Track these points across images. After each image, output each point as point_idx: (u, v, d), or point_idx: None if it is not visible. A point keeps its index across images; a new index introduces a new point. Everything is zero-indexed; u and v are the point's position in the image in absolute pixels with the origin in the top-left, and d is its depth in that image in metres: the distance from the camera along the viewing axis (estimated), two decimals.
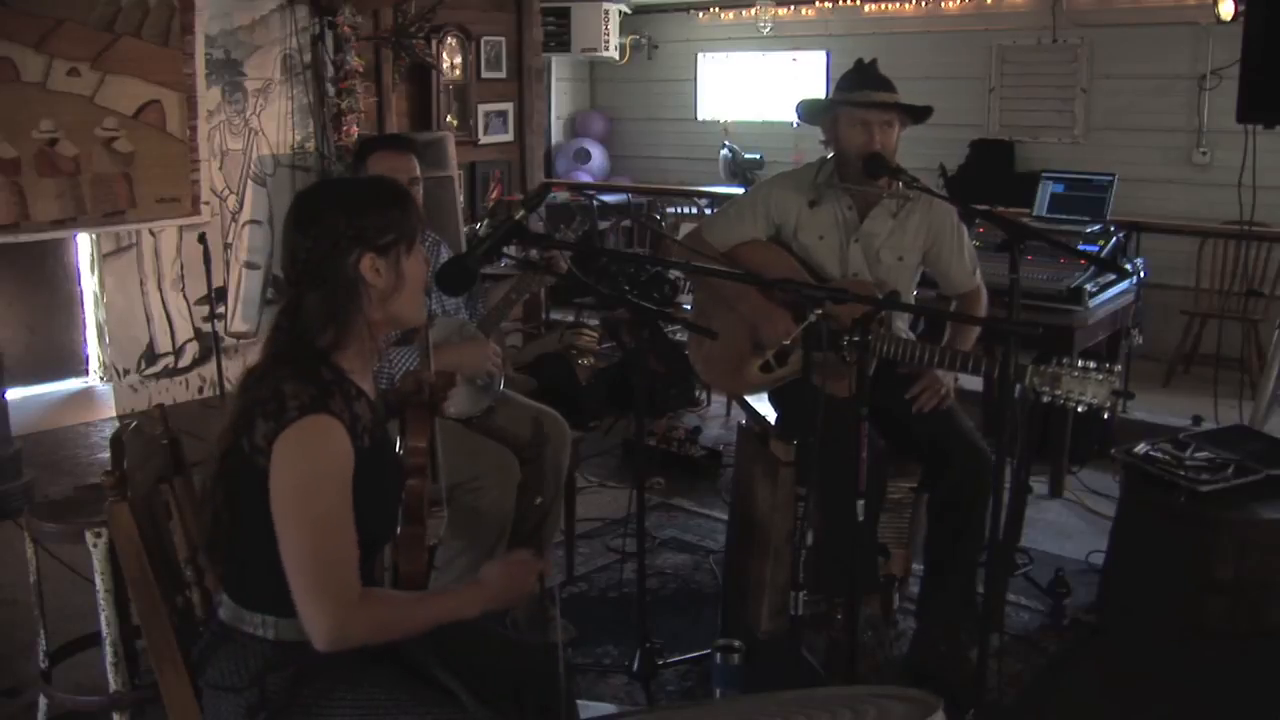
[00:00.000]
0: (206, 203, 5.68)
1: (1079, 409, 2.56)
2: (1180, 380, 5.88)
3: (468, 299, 3.32)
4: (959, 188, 6.72)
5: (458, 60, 6.95)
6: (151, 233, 5.60)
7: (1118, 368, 2.57)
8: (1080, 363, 2.57)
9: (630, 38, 9.05)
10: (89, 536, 2.53)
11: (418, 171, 3.13)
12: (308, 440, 1.69)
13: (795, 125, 8.42)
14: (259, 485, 1.71)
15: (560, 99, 9.50)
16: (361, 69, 6.16)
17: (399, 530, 2.00)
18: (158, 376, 5.75)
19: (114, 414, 5.54)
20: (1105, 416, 2.57)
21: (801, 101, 3.20)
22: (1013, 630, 3.32)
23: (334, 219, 1.78)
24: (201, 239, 5.44)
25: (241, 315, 6.06)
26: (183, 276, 5.76)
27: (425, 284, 1.93)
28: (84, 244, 5.60)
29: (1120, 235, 4.54)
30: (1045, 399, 2.59)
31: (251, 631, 1.78)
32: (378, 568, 1.98)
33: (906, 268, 3.11)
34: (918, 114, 3.02)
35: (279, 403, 1.69)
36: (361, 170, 3.08)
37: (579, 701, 2.53)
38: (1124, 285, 4.45)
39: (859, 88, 2.97)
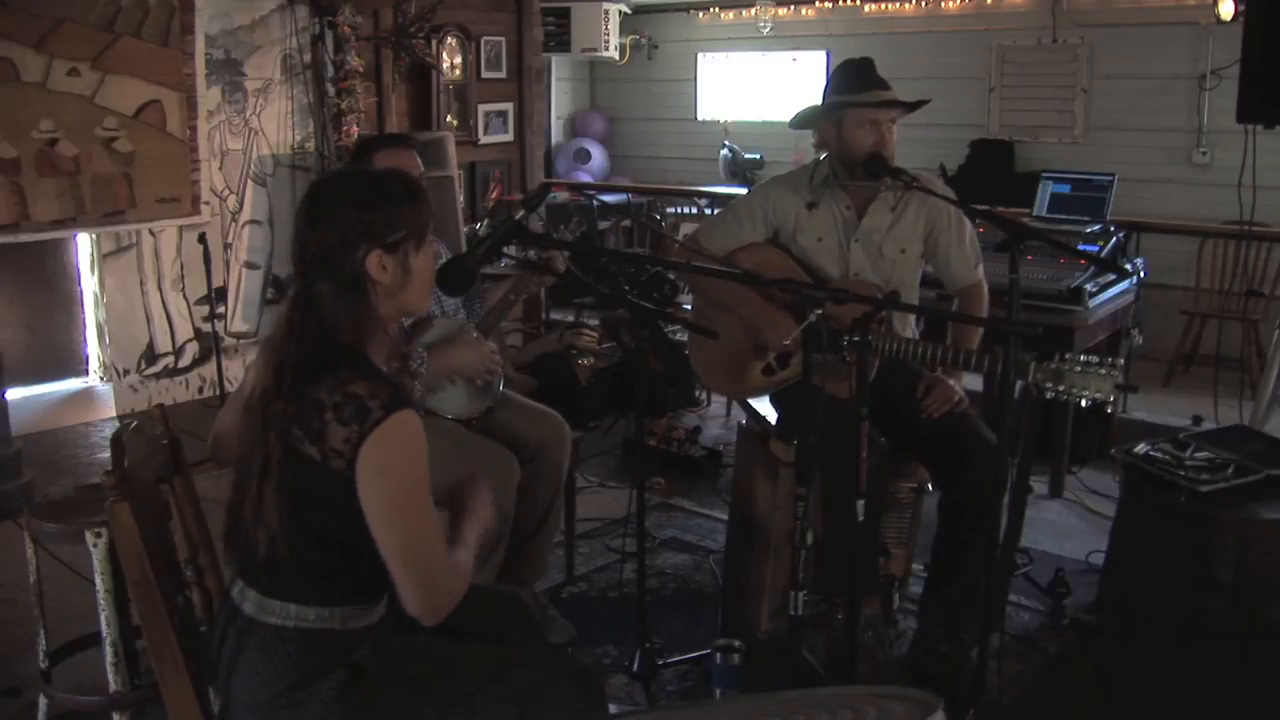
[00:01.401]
0: (206, 203, 5.68)
1: (1082, 404, 2.57)
2: (1180, 380, 5.87)
3: (466, 299, 3.33)
4: (959, 188, 6.70)
5: (458, 60, 6.95)
6: (151, 233, 5.60)
7: (1120, 361, 2.57)
8: (1082, 357, 2.58)
9: (630, 38, 9.05)
10: (89, 536, 2.53)
11: (421, 168, 3.15)
12: (400, 438, 1.71)
13: None
14: (333, 489, 1.71)
15: (560, 99, 9.50)
16: (361, 69, 6.16)
17: None
18: (158, 376, 5.75)
19: (114, 414, 5.54)
20: (1109, 411, 2.58)
21: (800, 112, 3.14)
22: (1013, 630, 3.32)
23: (344, 214, 1.78)
24: (201, 239, 5.45)
25: (241, 315, 6.06)
26: (183, 276, 5.76)
27: (432, 276, 1.94)
28: (84, 244, 5.60)
29: (1120, 235, 4.54)
30: (1049, 395, 2.60)
31: (317, 626, 1.78)
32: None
33: (910, 260, 3.11)
34: (911, 106, 3.03)
35: (358, 405, 1.69)
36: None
37: None
38: (1124, 285, 4.45)
39: (866, 88, 2.96)
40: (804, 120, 3.13)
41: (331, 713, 1.75)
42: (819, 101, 3.10)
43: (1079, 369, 2.55)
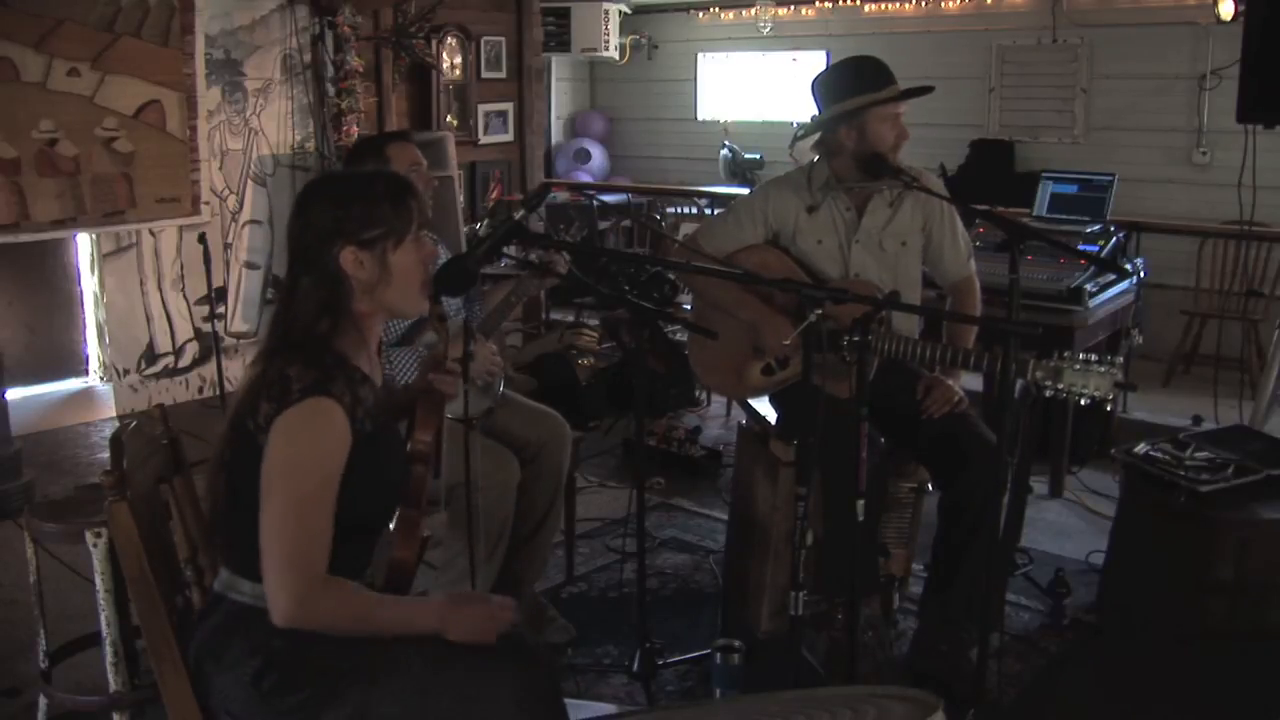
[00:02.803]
0: (206, 203, 5.68)
1: (1082, 402, 2.57)
2: (1180, 380, 5.87)
3: (466, 300, 3.33)
4: (959, 188, 6.73)
5: (458, 60, 6.95)
6: (151, 233, 5.60)
7: (1119, 359, 2.57)
8: (1082, 356, 2.58)
9: (630, 38, 9.05)
10: (89, 536, 2.53)
11: (424, 161, 3.20)
12: (306, 421, 1.75)
13: (795, 125, 8.41)
14: (259, 463, 1.76)
15: (560, 99, 9.50)
16: (361, 69, 6.16)
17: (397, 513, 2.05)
18: (158, 376, 5.75)
19: (114, 414, 5.54)
20: (1109, 410, 2.58)
21: (818, 118, 3.06)
22: (1013, 630, 3.32)
23: (318, 211, 1.84)
24: (201, 239, 5.44)
25: (241, 315, 6.06)
26: (183, 276, 5.76)
27: (425, 276, 1.94)
28: (84, 244, 5.60)
29: (1120, 235, 4.54)
30: (1048, 393, 2.60)
31: (250, 603, 1.82)
32: (369, 551, 2.01)
33: (912, 252, 3.11)
34: (925, 90, 3.02)
35: (283, 385, 1.75)
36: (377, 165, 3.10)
37: (579, 702, 2.54)
38: (1124, 285, 4.45)
39: (887, 83, 2.95)
40: (824, 126, 3.04)
41: (249, 696, 1.78)
42: (816, 108, 3.08)
43: (1078, 367, 2.56)
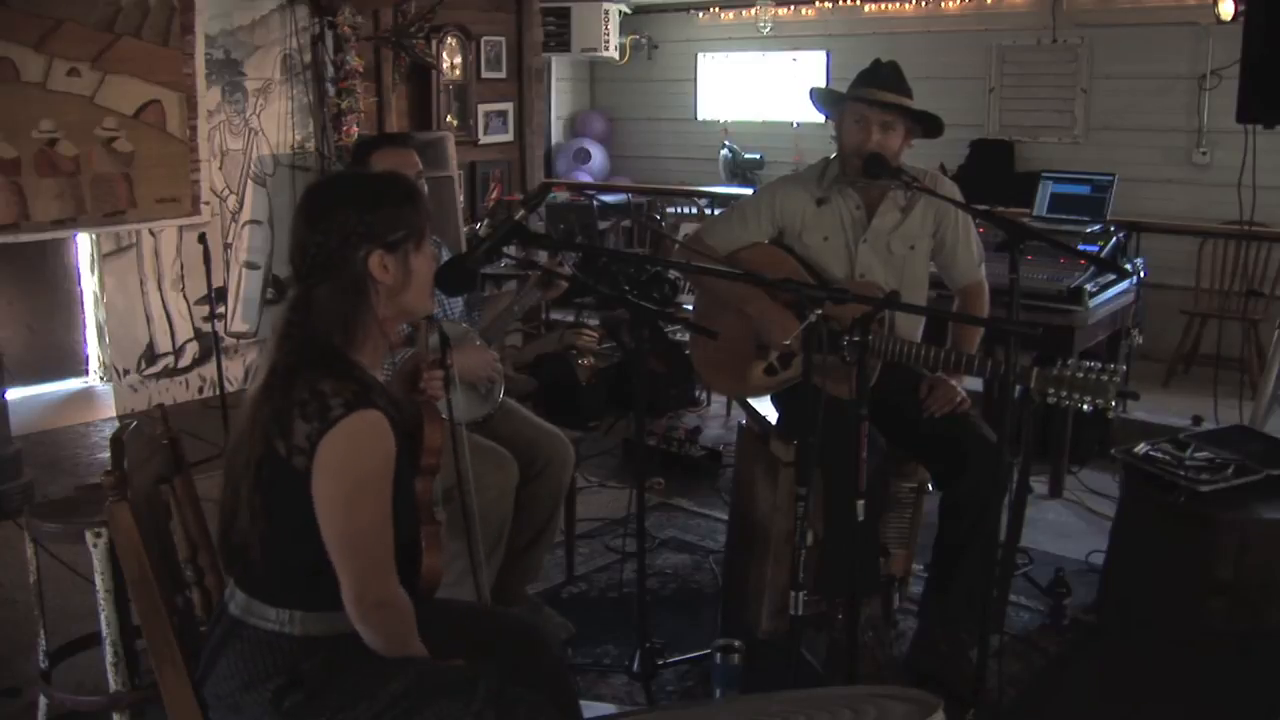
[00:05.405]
0: (206, 203, 5.68)
1: (1084, 409, 2.57)
2: (1180, 380, 5.88)
3: (467, 307, 3.33)
4: (959, 188, 6.73)
5: (458, 60, 6.96)
6: (151, 233, 5.60)
7: (1122, 368, 2.57)
8: (1085, 364, 2.58)
9: (630, 38, 9.05)
10: (89, 536, 2.53)
11: (420, 166, 3.15)
12: (358, 437, 1.70)
13: (795, 125, 8.42)
14: (298, 488, 1.71)
15: (560, 99, 9.49)
16: (361, 69, 6.16)
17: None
18: (158, 376, 5.75)
19: (114, 414, 5.54)
20: (1109, 416, 2.58)
21: (815, 89, 3.19)
22: (1013, 630, 3.32)
23: (345, 215, 1.79)
24: (201, 239, 5.43)
25: (241, 315, 6.06)
26: (183, 276, 5.76)
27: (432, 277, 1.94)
28: (84, 244, 5.60)
29: (1120, 235, 4.54)
30: (1050, 401, 2.60)
31: (275, 629, 1.78)
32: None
33: (920, 256, 3.10)
34: (928, 126, 3.00)
35: (321, 402, 1.70)
36: (364, 169, 3.09)
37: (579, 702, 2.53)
38: (1124, 285, 4.45)
39: (866, 85, 2.96)
40: (819, 97, 3.17)
41: (269, 718, 1.74)
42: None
43: (1080, 375, 2.55)
